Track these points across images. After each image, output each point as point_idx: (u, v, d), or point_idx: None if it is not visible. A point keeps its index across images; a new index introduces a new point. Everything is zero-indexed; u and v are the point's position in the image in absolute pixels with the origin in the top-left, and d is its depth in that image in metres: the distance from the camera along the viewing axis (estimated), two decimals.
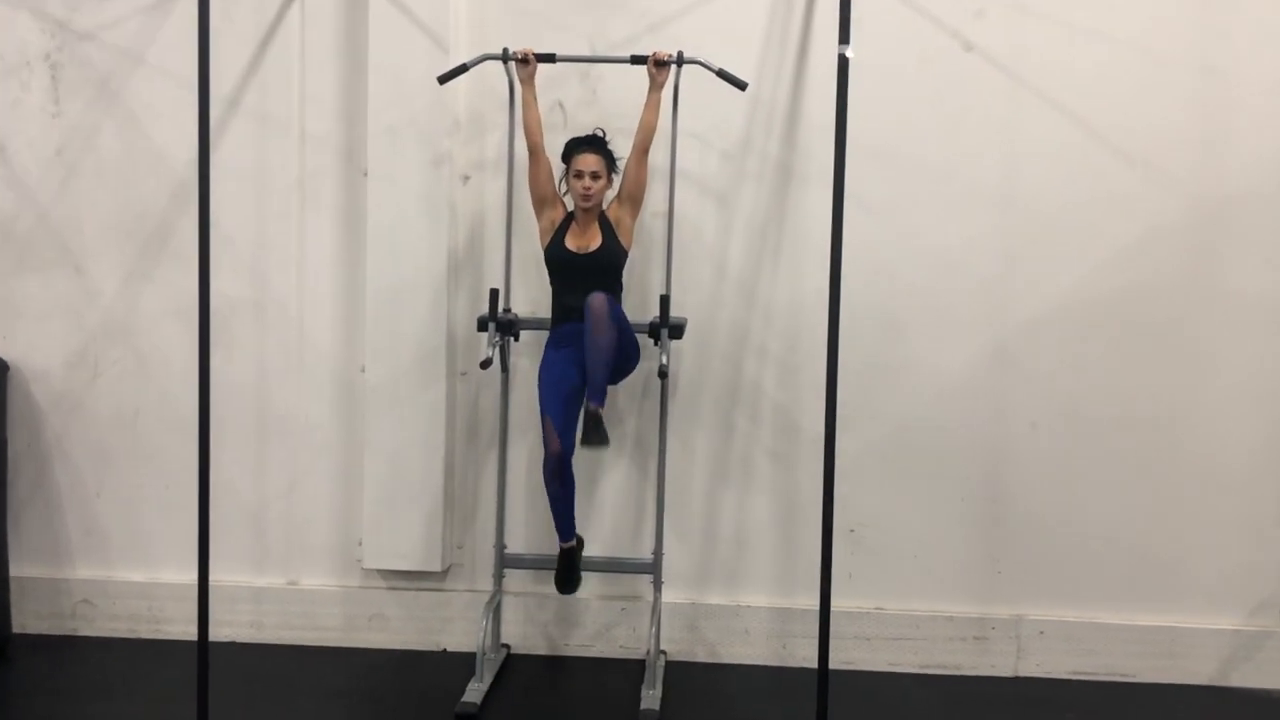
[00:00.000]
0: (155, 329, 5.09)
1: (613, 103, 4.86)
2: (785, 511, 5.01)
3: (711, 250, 4.95)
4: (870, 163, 4.78)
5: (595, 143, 4.56)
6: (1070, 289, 4.87)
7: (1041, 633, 4.96)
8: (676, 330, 4.59)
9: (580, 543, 4.69)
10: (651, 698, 4.56)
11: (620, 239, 4.53)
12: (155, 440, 5.13)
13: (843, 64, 4.21)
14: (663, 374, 4.47)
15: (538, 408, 4.50)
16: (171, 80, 4.97)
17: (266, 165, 4.99)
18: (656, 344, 4.60)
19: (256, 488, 5.12)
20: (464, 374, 5.05)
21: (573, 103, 4.91)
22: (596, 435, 4.36)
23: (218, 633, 4.88)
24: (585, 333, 4.36)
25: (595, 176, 4.49)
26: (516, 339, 4.80)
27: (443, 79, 4.59)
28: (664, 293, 4.59)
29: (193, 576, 4.99)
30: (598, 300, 4.33)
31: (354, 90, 4.94)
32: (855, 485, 4.90)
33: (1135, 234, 4.84)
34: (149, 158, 5.02)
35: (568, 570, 4.63)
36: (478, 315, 4.75)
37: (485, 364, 4.43)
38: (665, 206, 4.74)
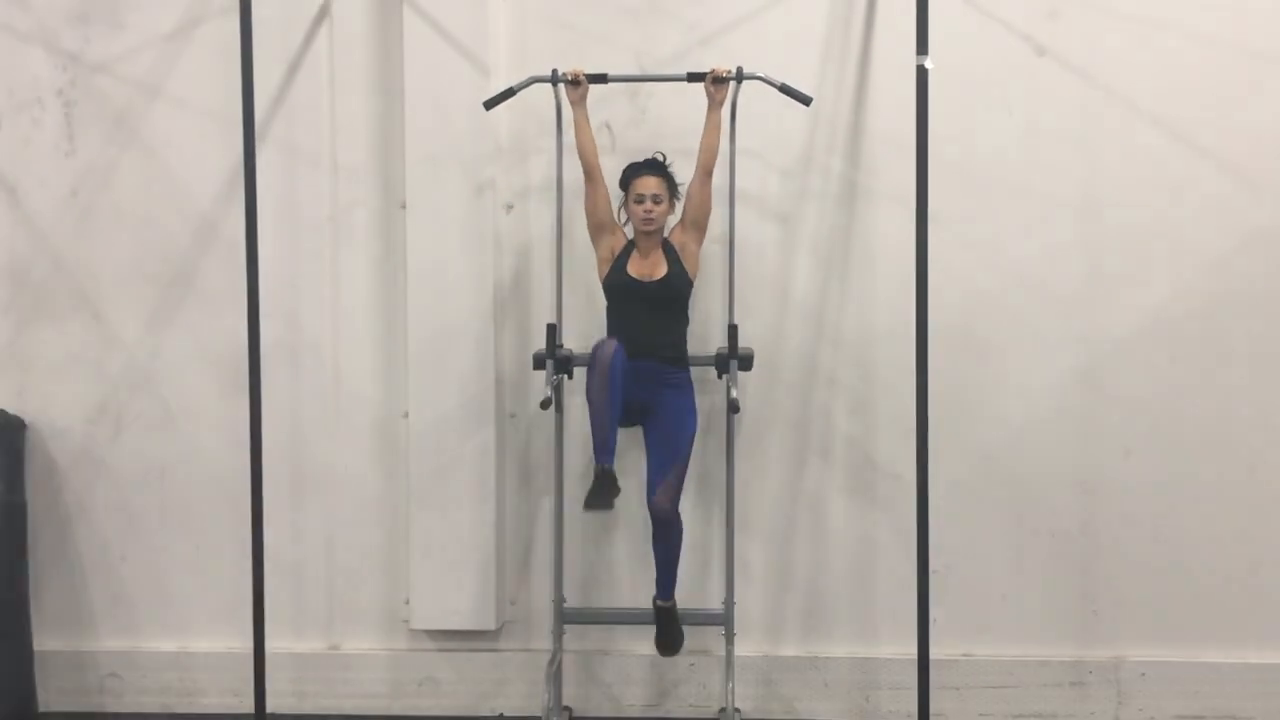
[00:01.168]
0: (181, 378, 4.75)
1: (663, 121, 4.56)
2: (863, 552, 4.67)
3: (774, 274, 4.63)
4: (942, 175, 4.43)
5: (655, 166, 4.26)
6: (1161, 304, 4.55)
7: (1144, 675, 4.61)
8: (745, 361, 4.25)
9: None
10: None
11: (686, 266, 4.22)
12: (184, 498, 4.78)
13: (921, 76, 4.00)
14: (735, 408, 4.13)
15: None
16: (193, 112, 4.66)
17: (296, 199, 4.66)
18: (720, 376, 4.29)
19: (293, 546, 4.75)
20: (514, 416, 4.71)
21: (621, 123, 4.59)
22: (663, 641, 4.33)
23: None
24: (655, 535, 4.17)
25: (657, 200, 4.18)
26: (570, 376, 4.46)
27: (489, 104, 4.28)
28: (731, 321, 4.27)
29: (228, 644, 4.73)
30: (661, 505, 4.10)
31: (388, 117, 4.63)
32: (937, 521, 4.49)
33: (1228, 244, 4.52)
34: (170, 195, 4.69)
35: (600, 490, 4.00)
36: (532, 352, 4.43)
37: (546, 403, 4.08)
38: (722, 229, 4.42)
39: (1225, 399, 4.56)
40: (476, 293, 4.55)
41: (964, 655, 4.65)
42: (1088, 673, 4.62)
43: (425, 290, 4.57)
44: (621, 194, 4.27)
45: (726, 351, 4.23)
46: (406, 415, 4.65)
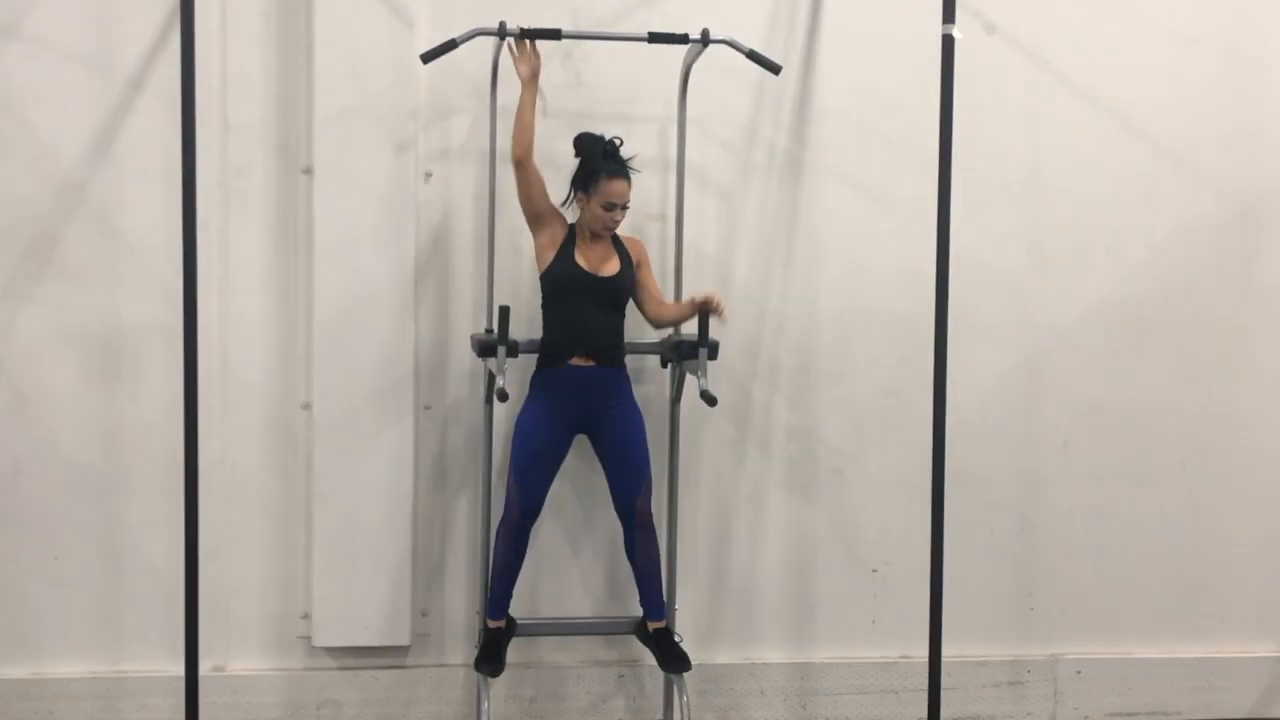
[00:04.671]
0: (37, 363, 4.06)
1: (600, 86, 4.19)
2: (801, 552, 4.41)
3: (713, 257, 4.31)
4: (884, 153, 4.33)
5: (625, 166, 3.81)
6: (1102, 292, 4.47)
7: (1079, 673, 4.54)
8: (714, 350, 3.85)
9: (511, 624, 4.01)
10: None
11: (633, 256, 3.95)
12: (40, 500, 4.09)
13: (948, 46, 3.81)
14: (711, 401, 3.73)
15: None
16: (57, 56, 3.99)
17: (180, 161, 3.99)
18: (665, 365, 4.10)
19: (171, 554, 4.09)
20: (428, 408, 4.23)
21: (553, 86, 4.15)
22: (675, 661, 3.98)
23: None
24: (636, 546, 3.92)
25: (626, 206, 3.80)
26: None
27: (427, 57, 3.77)
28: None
29: (90, 668, 4.12)
30: (645, 511, 3.89)
31: (289, 70, 4.08)
32: (878, 517, 4.38)
33: (1167, 231, 4.47)
34: (28, 151, 4.00)
35: (493, 651, 3.93)
36: (448, 338, 4.15)
37: (503, 396, 3.63)
38: (660, 209, 4.20)
39: (1161, 390, 4.52)
40: (394, 270, 4.07)
41: (902, 657, 4.46)
42: (1025, 671, 4.52)
43: (334, 265, 4.04)
44: (581, 181, 3.82)
45: (687, 340, 3.86)
46: (308, 407, 4.13)
